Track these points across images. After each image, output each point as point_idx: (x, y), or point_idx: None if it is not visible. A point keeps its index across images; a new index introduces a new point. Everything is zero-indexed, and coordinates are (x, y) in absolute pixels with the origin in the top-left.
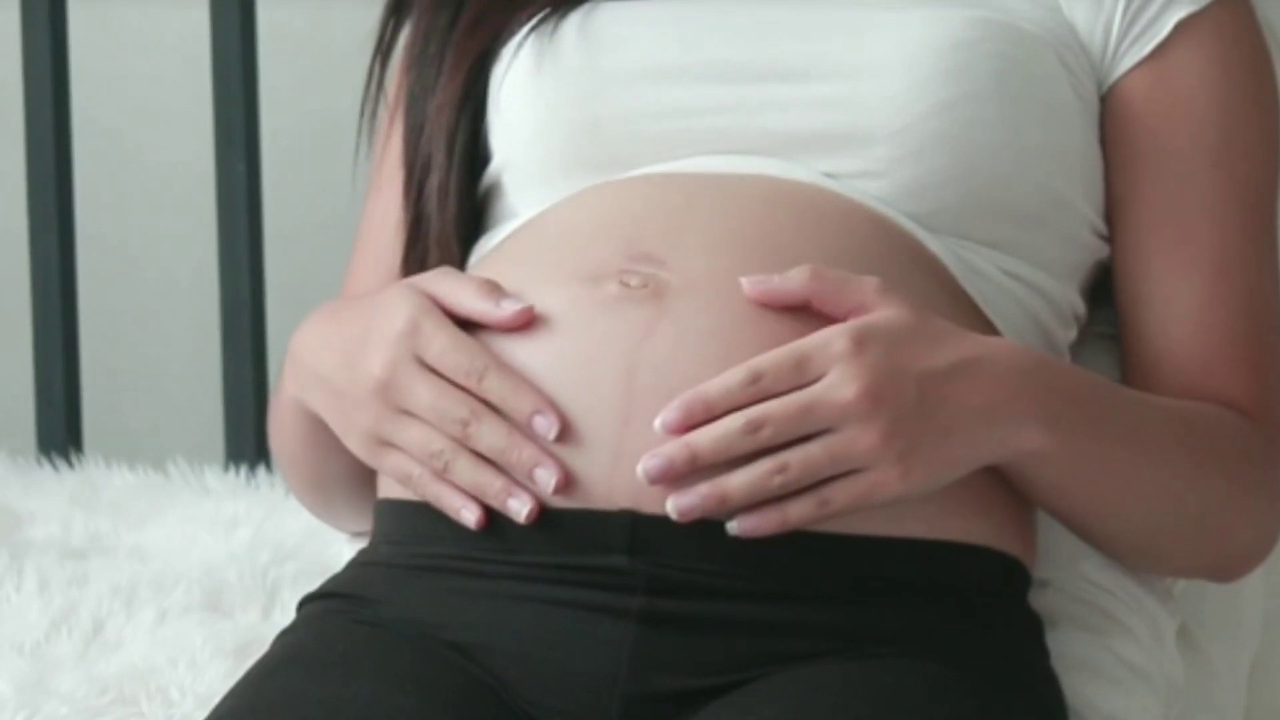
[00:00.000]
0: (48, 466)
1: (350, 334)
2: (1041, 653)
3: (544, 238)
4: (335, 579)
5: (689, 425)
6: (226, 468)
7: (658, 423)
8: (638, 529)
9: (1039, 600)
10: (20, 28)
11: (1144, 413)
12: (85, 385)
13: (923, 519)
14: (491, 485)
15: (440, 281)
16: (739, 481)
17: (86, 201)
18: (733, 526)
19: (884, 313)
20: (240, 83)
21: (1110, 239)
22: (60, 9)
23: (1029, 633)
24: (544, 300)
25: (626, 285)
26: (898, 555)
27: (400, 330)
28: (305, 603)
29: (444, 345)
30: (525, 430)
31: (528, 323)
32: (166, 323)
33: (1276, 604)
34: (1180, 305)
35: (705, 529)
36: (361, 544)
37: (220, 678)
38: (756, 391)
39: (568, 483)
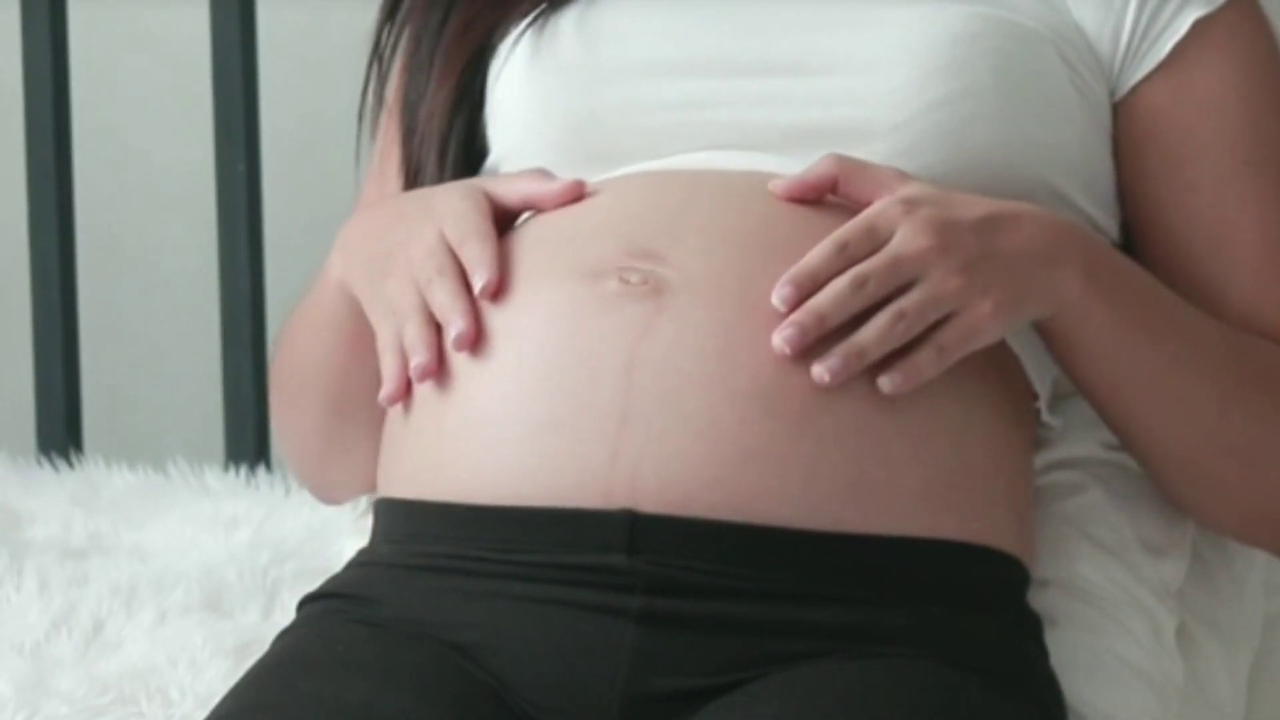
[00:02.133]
0: (48, 466)
1: (410, 211)
2: (1041, 653)
3: (543, 235)
4: (335, 579)
5: (803, 298)
6: (226, 468)
7: (776, 299)
8: (636, 528)
9: (1039, 600)
10: (20, 28)
11: (1192, 310)
12: (85, 385)
13: (920, 516)
14: (418, 342)
15: (502, 180)
16: (869, 334)
17: (86, 201)
18: (885, 383)
19: (913, 185)
20: (240, 83)
21: (1142, 245)
22: (60, 9)
23: (1028, 633)
24: (543, 297)
25: (626, 282)
26: (898, 554)
27: (444, 207)
28: (305, 603)
29: (455, 217)
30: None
31: (578, 197)
32: (166, 323)
33: (1277, 604)
34: (1233, 304)
35: (701, 527)
36: (362, 541)
37: (220, 678)
38: (846, 258)
39: (474, 343)
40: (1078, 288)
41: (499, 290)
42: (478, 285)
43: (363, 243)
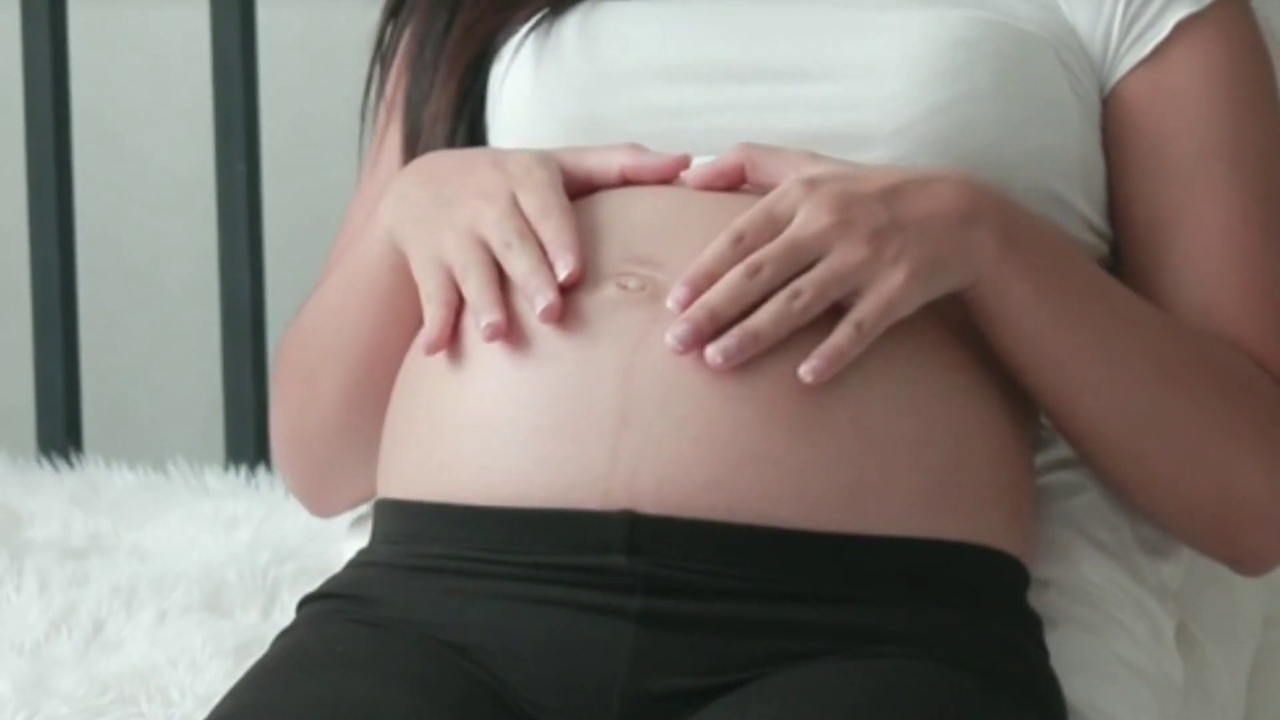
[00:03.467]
0: (48, 466)
1: (479, 165)
2: (1041, 653)
3: None
4: (334, 579)
5: (697, 296)
6: (226, 468)
7: (670, 302)
8: (636, 529)
9: (1039, 600)
10: (20, 28)
11: (1124, 288)
12: (85, 385)
13: (919, 517)
14: (485, 299)
15: (588, 152)
16: (762, 316)
17: (86, 201)
18: (804, 371)
19: (820, 164)
20: (240, 83)
21: (1118, 240)
22: (60, 9)
23: (1029, 633)
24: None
25: (624, 288)
26: (897, 555)
27: (516, 167)
28: (305, 603)
29: (534, 185)
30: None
31: (681, 168)
32: (166, 323)
33: (1276, 604)
34: (1191, 296)
35: (701, 528)
36: (361, 542)
37: (220, 678)
38: (743, 250)
39: (560, 316)
40: (994, 250)
41: (577, 282)
42: (563, 272)
43: (419, 190)
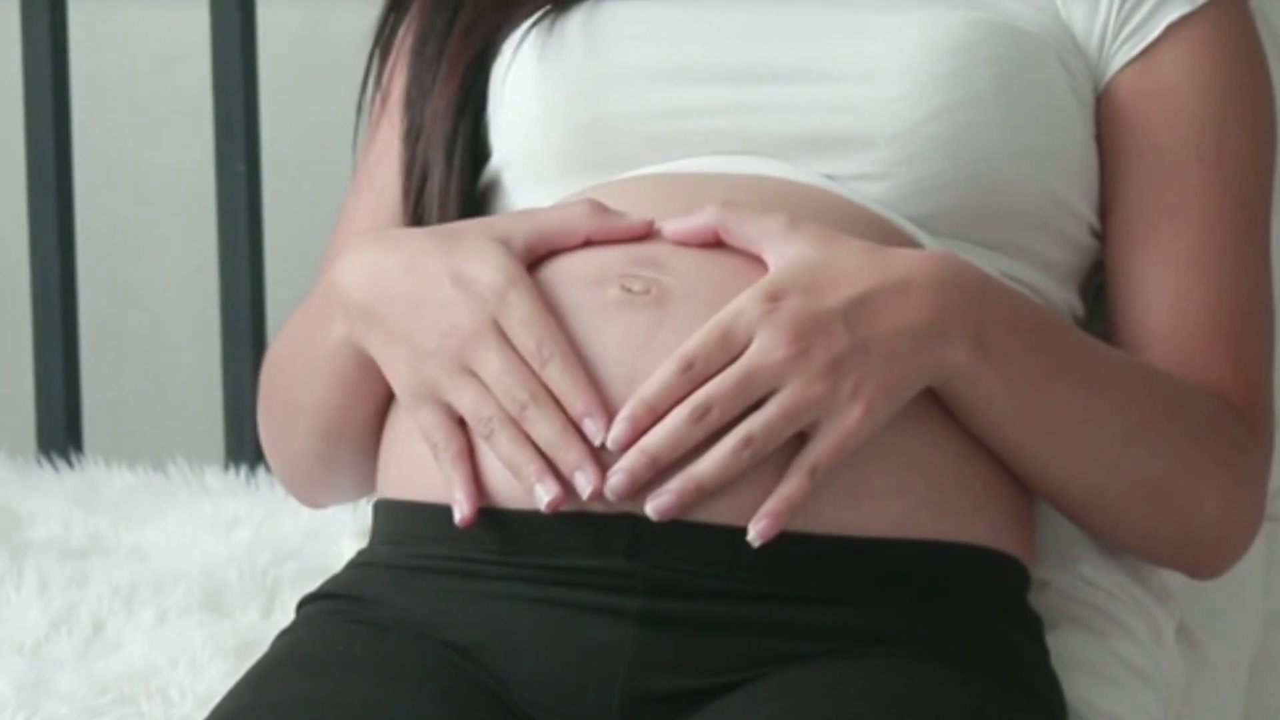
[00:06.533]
0: (48, 466)
1: (425, 280)
2: (1041, 653)
3: None
4: (334, 579)
5: (639, 433)
6: (226, 468)
7: (609, 441)
8: (637, 531)
9: (1039, 600)
10: (20, 28)
11: (1095, 351)
12: (85, 385)
13: (922, 519)
14: (527, 465)
15: (548, 216)
16: (708, 466)
17: (86, 201)
18: (754, 538)
19: (793, 253)
20: (240, 83)
21: (1101, 237)
22: (60, 9)
23: (1029, 633)
24: (545, 304)
25: (628, 290)
26: (897, 555)
27: (487, 289)
28: (305, 603)
29: (522, 319)
30: (577, 425)
31: (646, 231)
32: (166, 322)
33: (1276, 604)
34: (1157, 297)
35: (703, 530)
36: (362, 544)
37: (220, 678)
38: (692, 378)
39: (601, 494)
40: (965, 356)
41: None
42: (596, 437)
43: (379, 306)
